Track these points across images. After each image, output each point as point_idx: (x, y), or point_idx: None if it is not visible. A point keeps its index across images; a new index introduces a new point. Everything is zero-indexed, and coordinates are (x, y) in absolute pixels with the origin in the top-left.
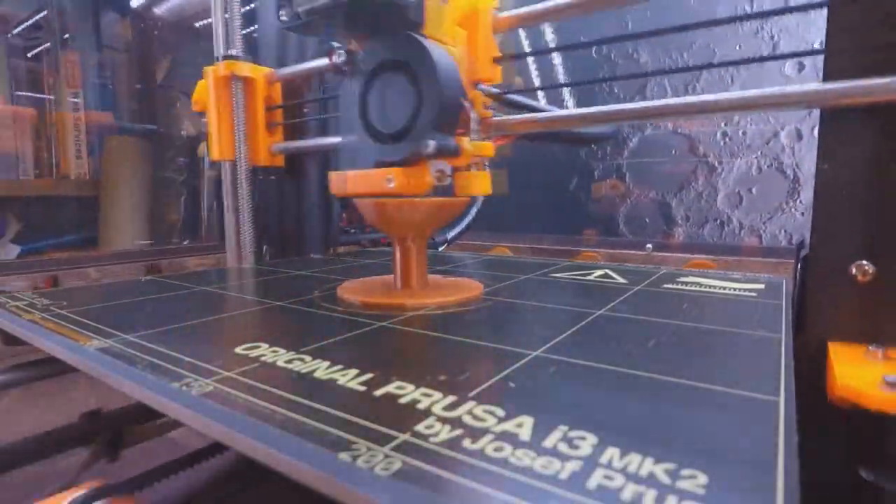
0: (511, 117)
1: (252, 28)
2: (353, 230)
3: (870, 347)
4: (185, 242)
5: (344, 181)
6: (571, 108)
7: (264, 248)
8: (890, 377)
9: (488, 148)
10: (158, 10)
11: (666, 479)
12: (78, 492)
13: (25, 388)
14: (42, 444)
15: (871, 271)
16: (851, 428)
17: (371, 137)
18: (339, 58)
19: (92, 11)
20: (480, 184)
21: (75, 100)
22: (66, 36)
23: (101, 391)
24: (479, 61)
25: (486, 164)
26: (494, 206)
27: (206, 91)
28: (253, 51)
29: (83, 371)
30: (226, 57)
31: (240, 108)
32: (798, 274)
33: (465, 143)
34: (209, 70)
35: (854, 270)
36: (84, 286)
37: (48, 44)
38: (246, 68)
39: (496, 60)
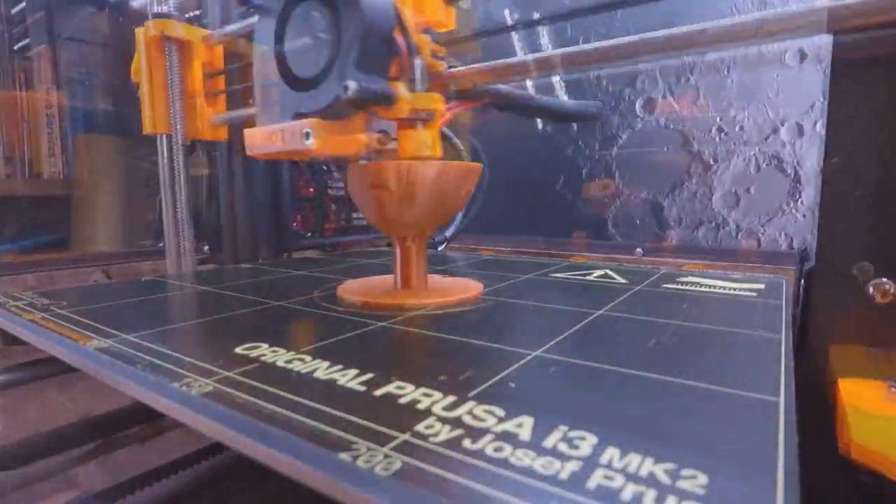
0: (469, 67)
1: None
2: (309, 234)
3: (871, 350)
4: (160, 244)
5: (252, 139)
6: (549, 51)
7: (205, 247)
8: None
9: (435, 100)
10: (136, 4)
11: (666, 479)
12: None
13: (25, 388)
14: (36, 446)
15: (893, 291)
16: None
17: (288, 84)
18: None
19: (67, 5)
20: (428, 143)
21: (48, 94)
22: (37, 30)
23: (98, 391)
24: (424, 0)
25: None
26: (477, 207)
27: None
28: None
29: (83, 371)
30: (155, 15)
31: (174, 75)
32: (800, 278)
33: (401, 88)
34: (138, 32)
35: (872, 290)
36: (84, 286)
37: (26, 40)
38: (179, 28)
39: (449, 2)
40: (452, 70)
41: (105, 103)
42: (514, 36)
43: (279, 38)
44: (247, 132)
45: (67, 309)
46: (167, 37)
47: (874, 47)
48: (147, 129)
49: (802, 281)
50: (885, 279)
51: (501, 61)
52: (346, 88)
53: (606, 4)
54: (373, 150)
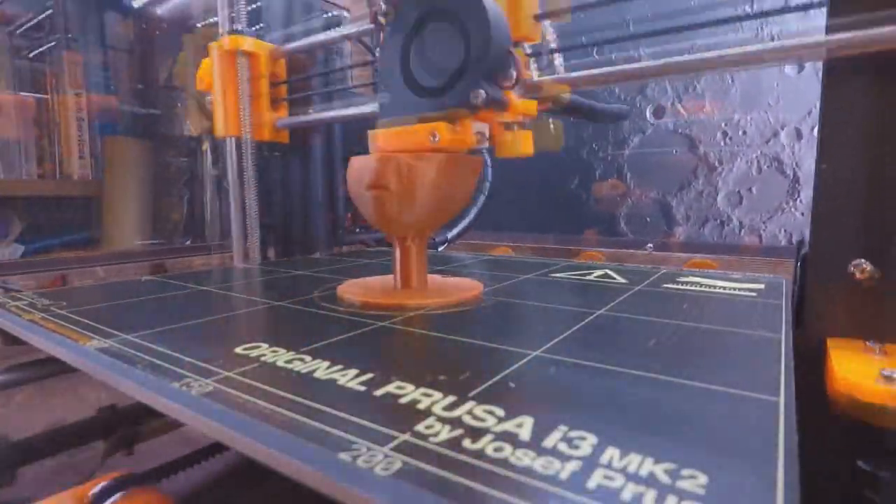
0: (546, 78)
1: (257, 3)
2: (358, 230)
3: (868, 343)
4: (187, 242)
5: (375, 139)
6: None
7: (268, 249)
8: (886, 371)
9: (532, 106)
10: (160, 11)
11: (666, 479)
12: (102, 482)
13: (38, 385)
14: (61, 437)
15: (868, 269)
16: (849, 420)
17: (413, 92)
18: (380, 9)
19: (95, 12)
20: (524, 143)
21: (77, 97)
22: (69, 36)
23: (113, 388)
24: (520, 17)
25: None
26: (495, 205)
27: (209, 68)
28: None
29: (83, 371)
30: (230, 32)
31: (244, 84)
32: (797, 272)
33: (513, 97)
34: (213, 46)
35: (852, 269)
36: (83, 286)
37: (52, 43)
38: (250, 43)
39: (538, 18)
40: (540, 80)
41: (132, 107)
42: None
43: (407, 51)
44: (371, 133)
45: (67, 309)
46: (240, 50)
47: (864, 58)
48: (219, 132)
49: (799, 263)
50: (863, 259)
51: (576, 73)
52: (477, 95)
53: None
54: (475, 146)
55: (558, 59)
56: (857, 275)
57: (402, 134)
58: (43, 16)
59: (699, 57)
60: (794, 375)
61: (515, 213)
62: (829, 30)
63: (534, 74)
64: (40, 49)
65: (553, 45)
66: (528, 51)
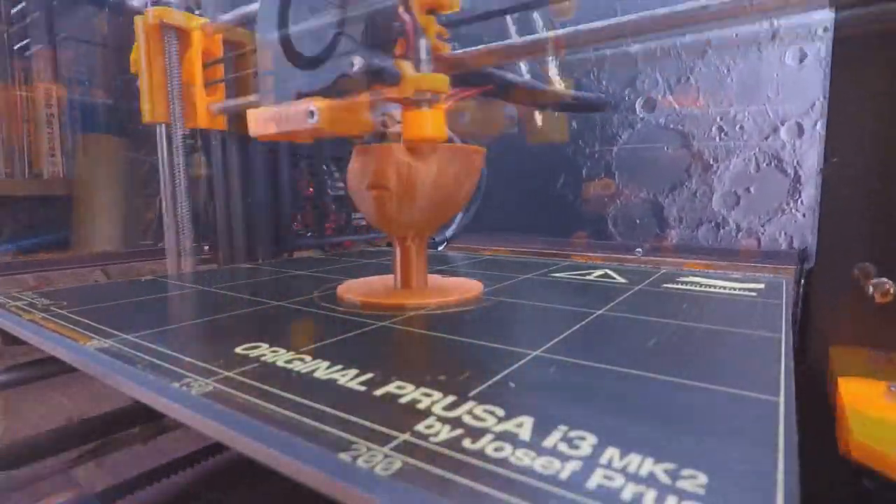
0: (474, 49)
1: None
2: (308, 233)
3: (872, 352)
4: (160, 244)
5: (256, 121)
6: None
7: (205, 247)
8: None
9: (441, 80)
10: (136, 3)
11: (666, 479)
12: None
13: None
14: (36, 446)
15: (874, 275)
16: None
17: (292, 62)
18: None
19: (67, 4)
20: (433, 125)
21: (47, 93)
22: (41, 29)
23: (92, 393)
24: None
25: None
26: (477, 207)
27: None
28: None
29: (83, 371)
30: (155, 3)
31: (173, 63)
32: (800, 277)
33: (406, 67)
34: (137, 20)
35: (872, 290)
36: (83, 286)
37: (26, 40)
38: (179, 16)
39: None
40: (458, 52)
41: (105, 102)
42: (510, 20)
43: (283, 18)
44: (249, 113)
45: (67, 309)
46: (166, 25)
47: (874, 47)
48: (146, 118)
49: (802, 281)
50: (885, 279)
51: (505, 42)
52: (352, 64)
53: None
54: (378, 132)
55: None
56: (878, 298)
57: (279, 114)
58: (15, 9)
59: (687, 7)
60: (794, 375)
61: (500, 216)
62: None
63: (449, 47)
64: (9, 43)
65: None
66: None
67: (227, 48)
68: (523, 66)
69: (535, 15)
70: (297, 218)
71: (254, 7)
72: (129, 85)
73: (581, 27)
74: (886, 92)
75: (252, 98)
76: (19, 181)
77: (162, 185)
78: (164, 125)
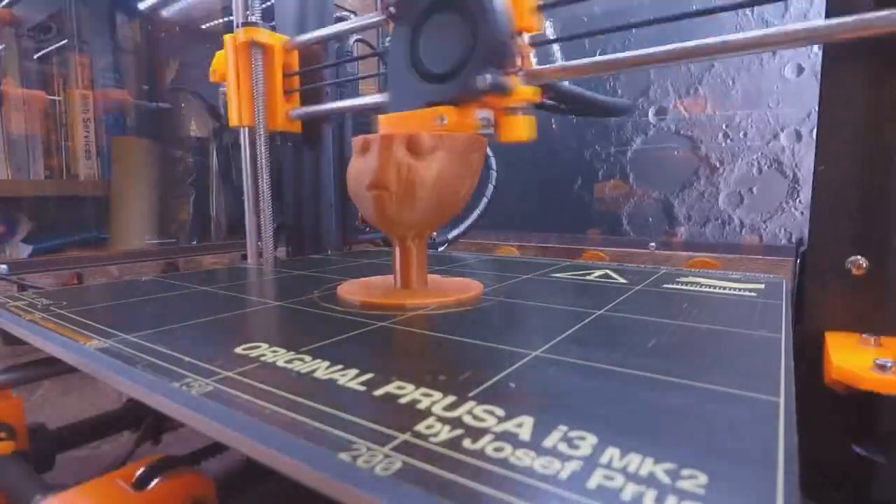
0: (548, 66)
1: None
2: (367, 228)
3: (863, 336)
4: (193, 242)
5: (384, 123)
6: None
7: (278, 250)
8: (880, 360)
9: (534, 92)
10: (167, 13)
11: (666, 479)
12: (143, 465)
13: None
14: (92, 427)
15: (864, 265)
16: (845, 408)
17: (421, 78)
18: (390, 1)
19: (104, 14)
20: (526, 128)
21: (84, 99)
22: (77, 38)
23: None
24: (520, 8)
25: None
26: (499, 205)
27: (224, 60)
28: (270, 19)
29: (83, 371)
30: (244, 24)
31: (258, 74)
32: (797, 269)
33: (516, 82)
34: (228, 38)
35: (849, 265)
36: (83, 286)
37: (61, 43)
38: (264, 35)
39: (539, 9)
40: (541, 67)
41: (139, 107)
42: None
43: (415, 40)
44: (381, 117)
45: (67, 309)
46: (255, 42)
47: (860, 60)
48: (233, 122)
49: (798, 261)
50: (859, 256)
51: (576, 62)
52: (483, 79)
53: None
54: (477, 130)
55: (557, 52)
56: (854, 271)
57: (408, 118)
58: (53, 15)
59: (701, 43)
60: (794, 368)
61: (519, 214)
62: (829, 14)
63: (533, 63)
64: (48, 49)
65: (552, 36)
66: (528, 41)
67: (301, 62)
68: None
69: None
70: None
71: (328, 31)
72: (161, 92)
73: (639, 52)
74: (870, 100)
75: (326, 106)
76: (57, 182)
77: (245, 183)
78: (247, 128)
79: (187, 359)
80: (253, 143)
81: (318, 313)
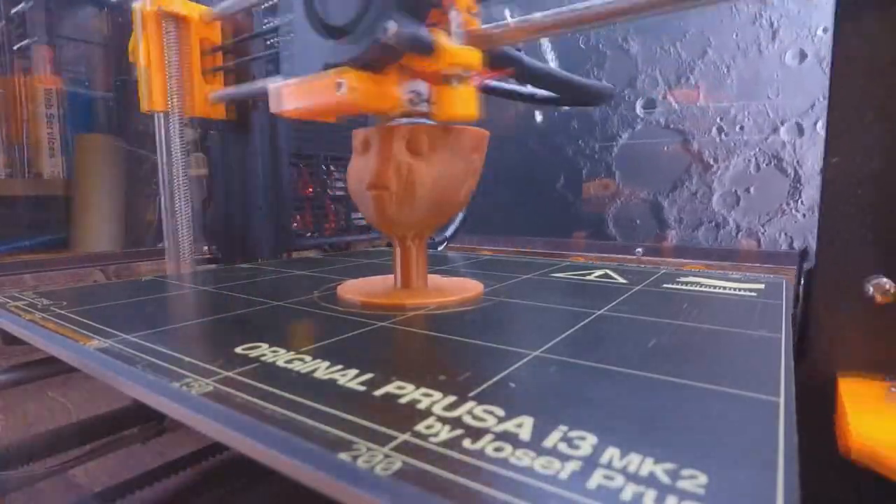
0: (500, 23)
1: None
2: (309, 233)
3: (892, 384)
4: (159, 245)
5: (278, 96)
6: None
7: (204, 248)
8: None
9: (473, 56)
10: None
11: (666, 479)
12: None
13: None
14: (36, 446)
15: (891, 289)
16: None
17: (317, 32)
18: None
19: (67, 5)
20: (465, 103)
21: (47, 93)
22: (37, 30)
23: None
24: None
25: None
26: (478, 207)
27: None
28: None
29: (83, 371)
30: None
31: (172, 51)
32: (801, 290)
33: (442, 38)
34: (136, 8)
35: (869, 287)
36: (83, 286)
37: (25, 40)
38: (177, 4)
39: None
40: (488, 27)
41: (104, 101)
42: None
43: None
44: (272, 87)
45: (67, 309)
46: (165, 12)
47: (877, 45)
48: (144, 106)
49: (802, 281)
50: (884, 279)
51: (534, 17)
52: (385, 30)
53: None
54: (406, 109)
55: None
56: (877, 296)
57: (303, 87)
58: (16, 9)
59: None
60: (794, 375)
61: (498, 216)
62: None
63: (478, 23)
64: (10, 42)
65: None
66: None
67: (225, 37)
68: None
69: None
70: (296, 218)
71: None
72: (129, 85)
73: (590, 4)
74: (890, 87)
75: (257, 85)
76: (19, 181)
77: (161, 179)
78: (162, 114)
79: (187, 359)
80: (168, 132)
81: (319, 313)
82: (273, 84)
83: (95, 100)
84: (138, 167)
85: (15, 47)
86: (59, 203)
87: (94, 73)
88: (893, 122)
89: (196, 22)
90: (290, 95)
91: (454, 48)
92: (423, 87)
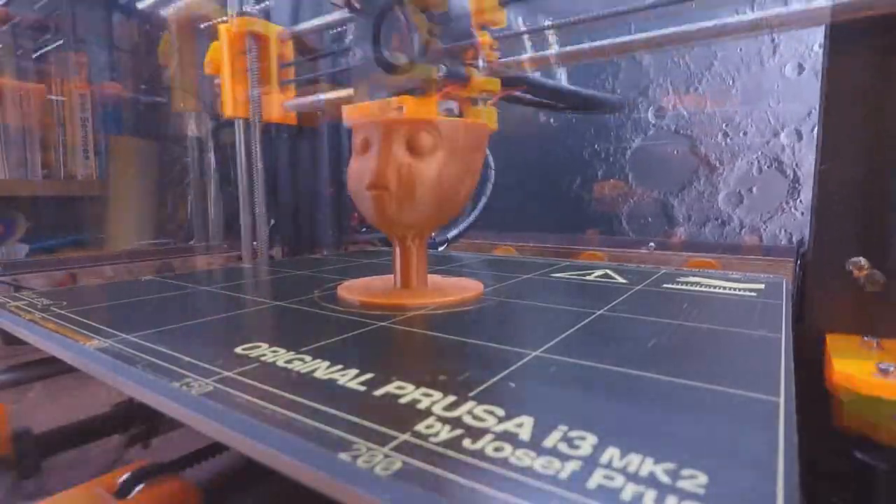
0: (517, 57)
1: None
2: (363, 228)
3: (865, 338)
4: (190, 242)
5: (352, 112)
6: (577, 46)
7: (274, 249)
8: (883, 364)
9: (493, 83)
10: (164, 12)
11: (666, 479)
12: (126, 472)
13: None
14: (80, 431)
15: (866, 266)
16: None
17: (383, 69)
18: None
19: (100, 12)
20: (488, 118)
21: (82, 98)
22: (75, 37)
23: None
24: (485, 3)
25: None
26: (497, 206)
27: (219, 51)
28: (266, 12)
29: (83, 371)
30: (240, 14)
31: (254, 65)
32: (798, 270)
33: (474, 72)
34: (223, 28)
35: (850, 267)
36: (83, 286)
37: (58, 43)
38: (259, 25)
39: (502, 4)
40: (503, 60)
41: (136, 106)
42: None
43: (377, 32)
44: (345, 107)
45: (67, 309)
46: (250, 32)
47: (865, 58)
48: (228, 112)
49: (800, 262)
50: (876, 270)
51: (540, 54)
52: (439, 69)
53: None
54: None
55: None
56: (855, 272)
57: (371, 107)
58: (49, 14)
59: (694, 27)
60: (794, 371)
61: (517, 214)
62: None
63: (497, 56)
64: (45, 49)
65: (523, 28)
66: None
67: (297, 54)
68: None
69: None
70: (353, 215)
71: (323, 20)
72: (159, 89)
73: (610, 41)
74: (879, 91)
75: (322, 96)
76: (55, 182)
77: (239, 178)
78: (242, 120)
79: (187, 359)
80: (248, 136)
81: (319, 313)
82: (346, 105)
83: (126, 103)
84: (169, 168)
85: (48, 52)
86: (93, 203)
87: (125, 78)
88: (876, 134)
89: (274, 40)
90: (357, 112)
91: (482, 78)
92: (454, 105)
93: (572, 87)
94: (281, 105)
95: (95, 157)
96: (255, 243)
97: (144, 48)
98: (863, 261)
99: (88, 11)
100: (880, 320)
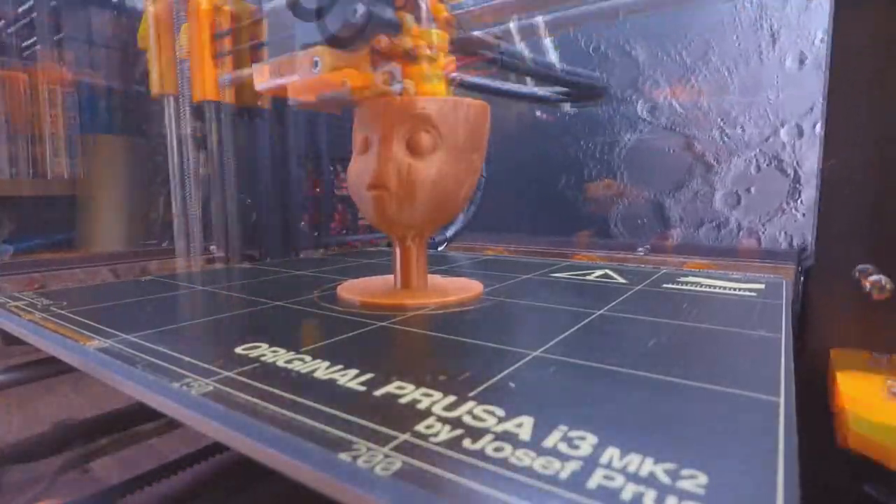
0: (471, 8)
1: None
2: (315, 233)
3: (874, 355)
4: (164, 244)
5: (261, 73)
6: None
7: (210, 247)
8: (895, 386)
9: (439, 36)
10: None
11: (666, 479)
12: None
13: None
14: (35, 446)
15: (889, 287)
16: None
17: (296, 15)
18: None
19: (77, 7)
20: (434, 84)
21: (52, 94)
22: (42, 30)
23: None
24: None
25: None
26: (484, 206)
27: (146, 23)
28: None
29: (83, 371)
30: None
31: (182, 35)
32: (800, 282)
33: (408, 19)
34: None
35: (857, 274)
36: (83, 286)
37: (32, 41)
38: None
39: None
40: (455, 12)
41: (109, 102)
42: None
43: None
44: (255, 67)
45: (67, 309)
46: None
47: (872, 48)
48: (155, 89)
49: (801, 278)
50: (882, 276)
51: (497, 1)
52: (354, 11)
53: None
54: (380, 89)
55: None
56: (863, 280)
57: (283, 66)
58: (21, 8)
59: None
60: (794, 383)
61: (505, 215)
62: None
63: (446, 8)
64: (22, 46)
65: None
66: None
67: (234, 21)
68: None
69: None
70: (304, 217)
71: None
72: (134, 86)
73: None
74: (885, 91)
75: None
76: (37, 181)
77: (171, 169)
78: (172, 97)
79: (187, 359)
80: (178, 116)
81: (318, 313)
82: (256, 64)
83: (104, 98)
84: (147, 165)
85: (19, 47)
86: (70, 202)
87: (103, 73)
88: (884, 129)
89: (206, 6)
90: (271, 73)
91: (418, 29)
92: (395, 68)
93: (547, 62)
94: (215, 80)
95: (67, 156)
96: (212, 246)
97: (123, 41)
98: (871, 268)
99: (67, 4)
100: (891, 334)
